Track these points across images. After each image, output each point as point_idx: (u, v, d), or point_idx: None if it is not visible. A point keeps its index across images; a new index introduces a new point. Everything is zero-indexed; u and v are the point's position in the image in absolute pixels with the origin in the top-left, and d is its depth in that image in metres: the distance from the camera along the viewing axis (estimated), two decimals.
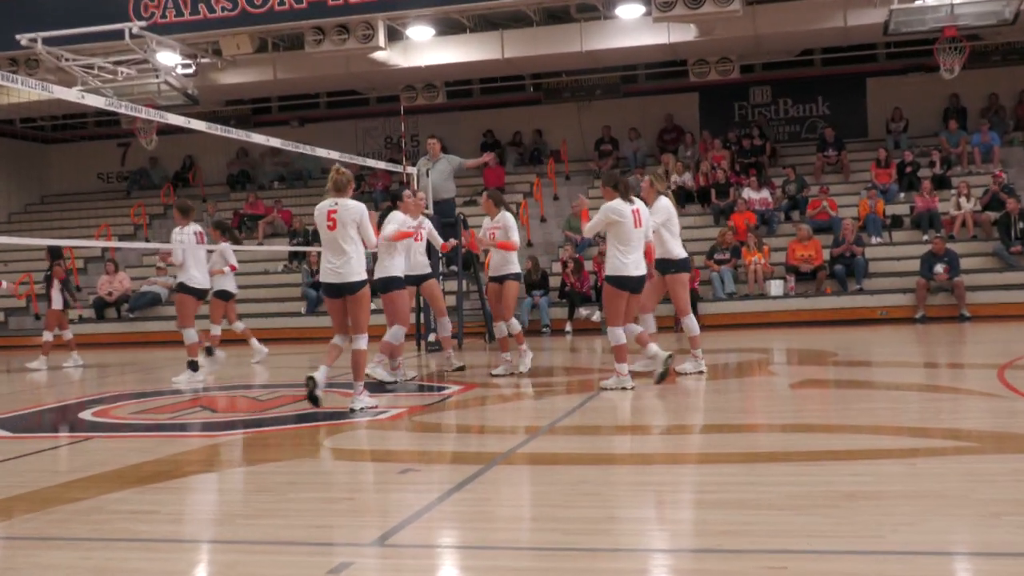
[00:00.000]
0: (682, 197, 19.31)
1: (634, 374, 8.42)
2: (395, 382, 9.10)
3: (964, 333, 13.66)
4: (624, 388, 8.08)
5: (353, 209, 7.46)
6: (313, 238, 19.14)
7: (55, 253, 13.88)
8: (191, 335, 10.44)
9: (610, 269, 8.05)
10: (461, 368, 9.25)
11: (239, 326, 12.71)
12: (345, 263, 7.43)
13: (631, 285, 8.07)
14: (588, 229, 8.33)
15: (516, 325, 9.57)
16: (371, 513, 4.55)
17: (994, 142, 18.85)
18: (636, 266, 8.03)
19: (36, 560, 3.95)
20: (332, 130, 22.79)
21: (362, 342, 7.56)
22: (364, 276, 7.55)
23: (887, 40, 19.01)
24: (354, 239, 7.47)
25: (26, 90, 8.14)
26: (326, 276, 7.56)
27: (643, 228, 8.11)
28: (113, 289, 18.99)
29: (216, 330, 12.25)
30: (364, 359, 7.65)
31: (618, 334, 8.07)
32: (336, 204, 7.46)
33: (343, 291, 7.50)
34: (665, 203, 8.84)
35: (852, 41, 19.02)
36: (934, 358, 11.34)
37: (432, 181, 12.66)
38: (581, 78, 21.35)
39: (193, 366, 10.35)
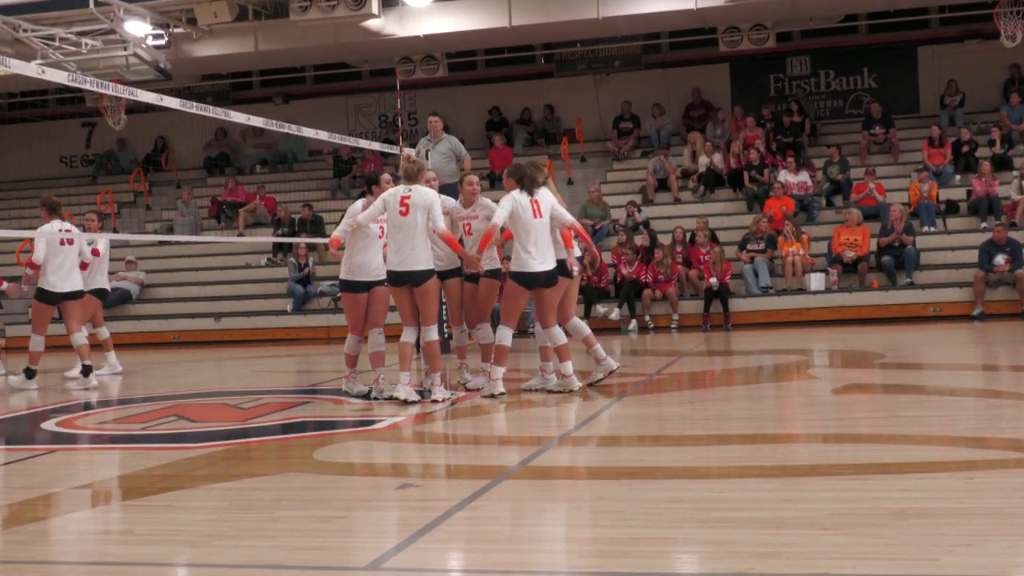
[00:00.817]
0: (711, 181, 19.33)
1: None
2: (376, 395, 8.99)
3: None
4: (494, 395, 8.41)
5: (427, 195, 8.18)
6: (299, 228, 19.19)
7: None
8: (37, 342, 10.81)
9: (514, 265, 8.48)
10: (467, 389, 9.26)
11: (104, 332, 12.48)
12: (412, 251, 8.05)
13: (540, 281, 8.42)
14: (498, 217, 8.42)
15: (489, 333, 9.07)
16: (366, 533, 4.57)
17: None
18: (541, 262, 8.39)
19: None
20: (320, 107, 22.82)
21: (434, 332, 8.25)
22: (432, 266, 8.26)
23: (941, 4, 18.95)
24: (424, 227, 8.07)
25: None
26: (391, 264, 8.23)
27: (544, 219, 8.43)
28: None
29: (104, 333, 12.23)
30: (438, 349, 8.35)
31: (505, 334, 8.45)
32: (410, 190, 8.16)
33: (406, 280, 8.17)
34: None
35: (901, 5, 18.96)
36: (994, 360, 11.32)
37: (433, 164, 12.66)
38: (598, 48, 21.33)
39: (29, 373, 10.71)
